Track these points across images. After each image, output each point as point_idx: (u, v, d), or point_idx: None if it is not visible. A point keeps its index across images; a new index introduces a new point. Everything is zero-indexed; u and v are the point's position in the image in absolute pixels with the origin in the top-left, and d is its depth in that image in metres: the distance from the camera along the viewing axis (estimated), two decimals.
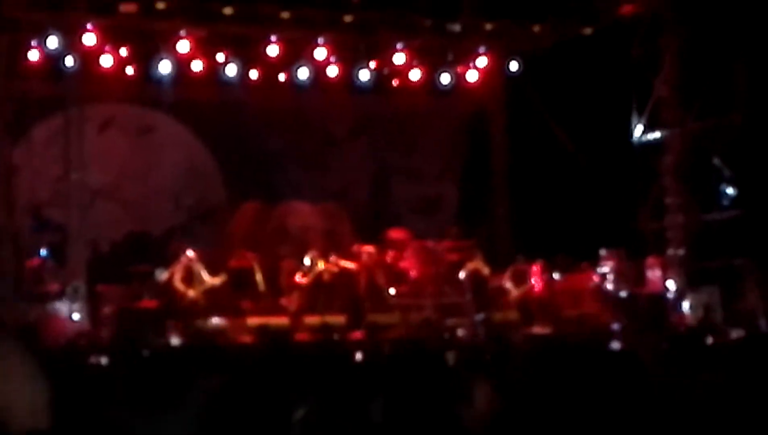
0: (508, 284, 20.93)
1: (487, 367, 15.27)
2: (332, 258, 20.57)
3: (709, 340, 17.74)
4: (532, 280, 20.96)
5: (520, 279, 20.91)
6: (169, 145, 23.66)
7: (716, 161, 21.15)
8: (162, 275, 19.69)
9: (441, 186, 25.72)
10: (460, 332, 19.58)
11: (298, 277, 20.29)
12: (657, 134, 22.30)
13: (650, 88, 22.43)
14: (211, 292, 19.54)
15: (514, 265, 21.17)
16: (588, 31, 22.74)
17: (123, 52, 21.41)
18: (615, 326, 19.05)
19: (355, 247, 21.27)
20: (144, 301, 19.44)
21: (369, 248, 20.98)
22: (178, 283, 19.33)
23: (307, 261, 20.35)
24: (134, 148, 23.45)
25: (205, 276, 19.48)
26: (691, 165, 21.78)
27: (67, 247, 19.96)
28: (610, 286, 20.89)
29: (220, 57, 21.89)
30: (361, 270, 20.67)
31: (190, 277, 19.42)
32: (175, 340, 18.42)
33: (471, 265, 20.96)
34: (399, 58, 22.78)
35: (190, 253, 19.60)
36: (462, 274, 20.97)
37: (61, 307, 19.25)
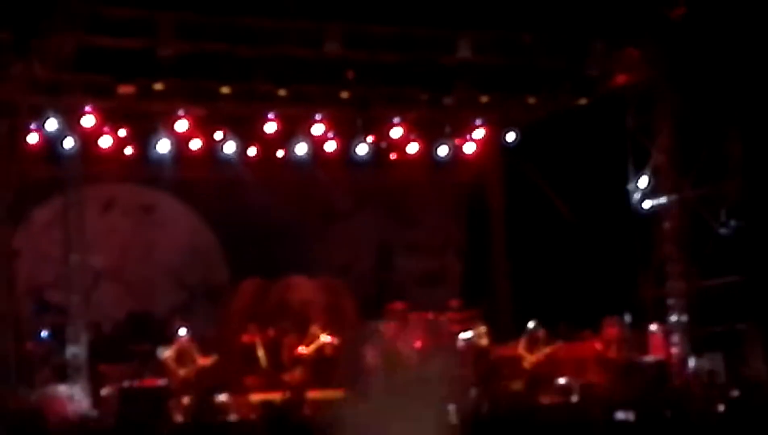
0: (523, 351, 20.84)
1: None
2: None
3: (717, 406, 17.81)
4: (549, 349, 20.86)
5: (535, 346, 20.82)
6: (171, 224, 23.80)
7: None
8: (163, 354, 19.72)
9: (443, 259, 25.79)
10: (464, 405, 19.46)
11: (301, 350, 20.28)
12: (655, 202, 22.38)
13: (647, 157, 22.56)
14: (207, 370, 19.56)
15: (529, 331, 21.07)
16: (583, 101, 22.92)
17: (122, 132, 21.63)
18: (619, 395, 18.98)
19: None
20: (146, 380, 19.41)
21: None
22: (170, 362, 19.41)
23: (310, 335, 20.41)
24: (136, 228, 23.61)
25: (196, 355, 19.55)
26: (691, 231, 21.83)
27: (68, 328, 19.94)
28: (612, 354, 20.82)
29: (219, 135, 22.11)
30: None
31: (181, 357, 19.51)
32: (179, 418, 18.44)
33: (471, 335, 20.93)
34: (396, 132, 23.00)
35: (182, 332, 19.71)
36: (463, 346, 20.94)
37: (64, 389, 19.22)
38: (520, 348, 20.89)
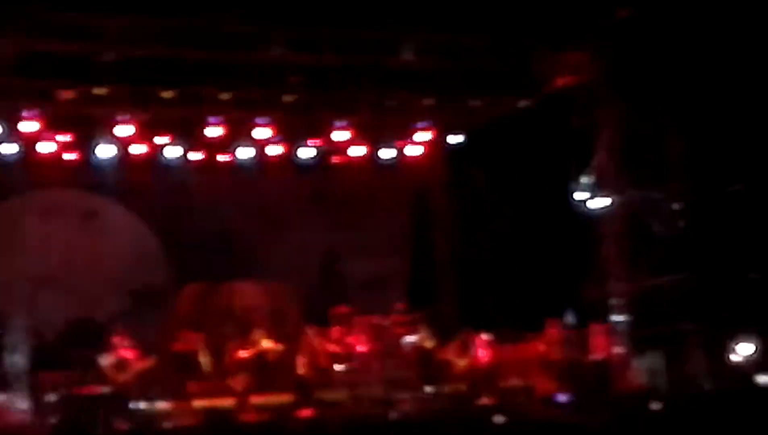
0: (452, 356, 20.92)
1: None
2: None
3: (655, 405, 17.96)
4: (478, 352, 20.95)
5: (465, 350, 20.90)
6: (114, 230, 23.65)
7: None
8: (105, 361, 19.58)
9: (389, 262, 25.71)
10: (408, 406, 19.52)
11: (243, 357, 20.21)
12: (598, 202, 22.49)
13: (590, 157, 22.67)
14: (145, 375, 19.46)
15: (459, 336, 21.15)
16: (526, 103, 22.99)
17: (63, 138, 21.44)
18: (561, 396, 19.07)
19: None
20: (88, 387, 19.26)
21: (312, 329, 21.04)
22: (108, 369, 19.29)
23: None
24: (78, 234, 23.42)
25: (133, 361, 19.45)
26: (633, 232, 21.96)
27: (7, 336, 19.75)
28: (555, 355, 20.91)
29: (161, 140, 21.99)
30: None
31: (119, 363, 19.39)
32: (122, 425, 18.32)
33: (415, 338, 20.97)
34: (340, 135, 22.95)
35: (118, 338, 19.60)
36: (406, 348, 20.97)
37: (3, 397, 19.02)
38: (450, 353, 20.98)
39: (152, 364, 19.66)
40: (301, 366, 20.53)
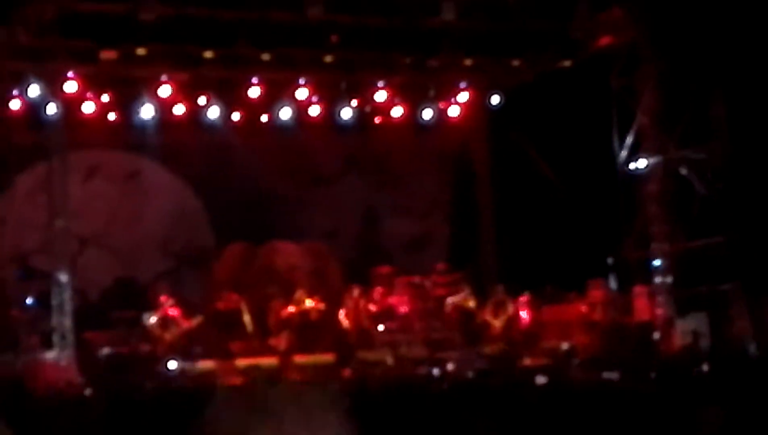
0: (489, 317, 20.91)
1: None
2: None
3: (702, 367, 17.89)
4: (513, 311, 20.90)
5: (500, 310, 20.87)
6: (155, 190, 23.69)
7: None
8: (149, 320, 19.73)
9: (430, 222, 25.76)
10: (451, 366, 19.55)
11: (286, 317, 20.30)
12: (640, 163, 22.38)
13: (632, 118, 22.55)
14: (191, 334, 19.59)
15: (494, 297, 21.14)
16: (567, 63, 22.88)
17: (105, 98, 21.55)
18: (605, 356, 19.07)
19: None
20: (132, 346, 19.41)
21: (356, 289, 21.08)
22: (154, 328, 19.43)
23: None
24: (120, 195, 23.51)
25: (180, 320, 19.57)
26: (675, 193, 21.86)
27: (54, 295, 19.90)
28: (598, 316, 20.89)
29: (202, 100, 22.02)
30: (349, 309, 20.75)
31: (164, 322, 19.52)
32: (165, 384, 18.43)
33: (457, 299, 20.99)
34: (380, 96, 22.94)
35: (164, 298, 19.70)
36: (448, 308, 21.01)
37: (50, 355, 19.20)
38: (486, 314, 20.96)
39: (198, 323, 19.78)
40: (344, 325, 20.58)
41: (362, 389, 18.32)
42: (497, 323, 20.91)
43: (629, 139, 22.51)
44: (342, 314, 20.82)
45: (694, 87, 21.38)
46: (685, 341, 20.40)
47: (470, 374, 18.82)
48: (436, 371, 18.86)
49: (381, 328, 21.02)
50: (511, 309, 21.08)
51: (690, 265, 21.27)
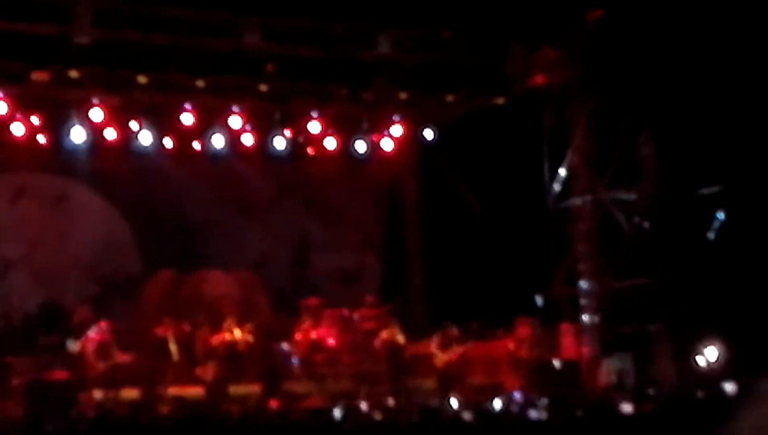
0: (435, 349, 20.81)
1: None
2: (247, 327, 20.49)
3: (625, 407, 18.02)
4: (462, 350, 20.87)
5: (447, 344, 20.81)
6: (84, 215, 23.40)
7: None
8: (73, 346, 19.41)
9: (361, 255, 25.73)
10: (377, 401, 19.49)
11: (213, 346, 20.11)
12: (570, 202, 22.58)
13: (563, 156, 22.76)
14: (124, 367, 19.33)
15: (442, 330, 21.07)
16: (500, 100, 23.05)
17: (35, 120, 21.25)
18: (524, 395, 19.11)
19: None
20: (54, 373, 19.09)
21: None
22: (89, 355, 19.12)
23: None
24: (48, 218, 23.18)
25: (115, 351, 19.29)
26: (604, 232, 22.06)
27: None
28: (525, 354, 20.94)
29: (134, 125, 21.82)
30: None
31: (102, 350, 19.22)
32: (89, 413, 18.15)
33: (386, 333, 20.95)
34: (314, 127, 22.91)
35: (102, 325, 19.40)
36: (377, 343, 20.96)
37: None
38: (433, 346, 20.92)
39: (132, 358, 19.51)
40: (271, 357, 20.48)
41: (288, 421, 18.25)
42: (443, 357, 20.75)
43: (560, 177, 22.71)
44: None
45: (624, 127, 21.62)
46: (610, 380, 20.54)
47: (396, 410, 18.80)
48: (361, 406, 18.76)
49: (295, 361, 20.92)
50: (460, 348, 20.92)
51: (616, 304, 21.46)
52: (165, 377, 19.85)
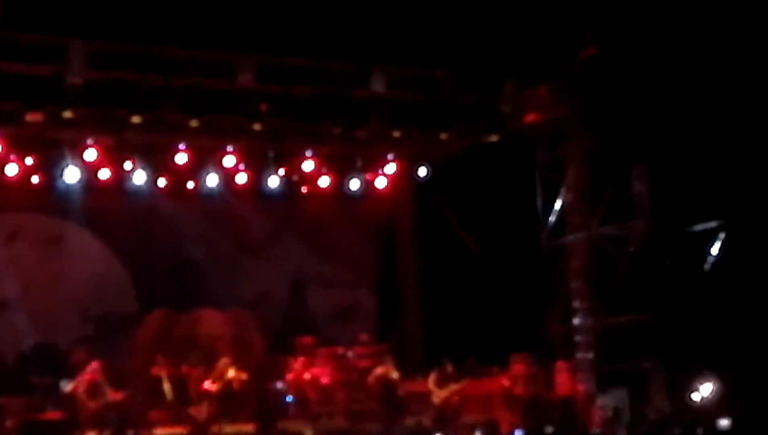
0: (432, 386, 20.72)
1: None
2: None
3: None
4: (458, 388, 20.79)
5: (445, 381, 20.72)
6: (79, 255, 23.40)
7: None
8: (66, 387, 19.35)
9: (357, 293, 25.72)
10: None
11: (207, 385, 20.05)
12: (564, 238, 22.59)
13: (556, 193, 22.79)
14: (116, 405, 19.26)
15: (440, 367, 20.99)
16: (494, 138, 23.09)
17: (29, 160, 21.30)
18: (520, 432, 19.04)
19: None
20: (47, 413, 19.04)
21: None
22: (81, 395, 19.07)
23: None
24: (42, 259, 23.18)
25: (107, 389, 19.23)
26: (598, 268, 22.05)
27: None
28: (519, 391, 20.87)
29: (128, 165, 21.87)
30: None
31: (93, 389, 19.16)
32: None
33: (380, 371, 20.89)
34: (308, 165, 22.96)
35: (94, 364, 19.36)
36: (371, 380, 20.90)
37: None
38: (430, 383, 20.85)
39: (125, 396, 19.45)
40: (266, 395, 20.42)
41: None
42: (441, 394, 20.67)
43: (554, 215, 22.74)
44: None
45: (617, 163, 21.67)
46: (605, 417, 20.46)
47: None
48: None
49: (289, 399, 20.88)
50: (457, 385, 20.83)
51: (611, 340, 21.42)
52: (158, 417, 19.77)
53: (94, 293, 23.33)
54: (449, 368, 20.87)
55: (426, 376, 21.11)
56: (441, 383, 20.80)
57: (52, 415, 19.09)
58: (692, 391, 20.36)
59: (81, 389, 19.18)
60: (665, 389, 20.59)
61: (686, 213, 21.31)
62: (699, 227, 21.24)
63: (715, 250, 21.08)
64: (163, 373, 20.34)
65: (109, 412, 19.16)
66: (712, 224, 21.06)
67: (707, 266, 21.04)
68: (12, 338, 21.98)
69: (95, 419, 19.03)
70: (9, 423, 18.85)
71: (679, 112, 20.75)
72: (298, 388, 20.94)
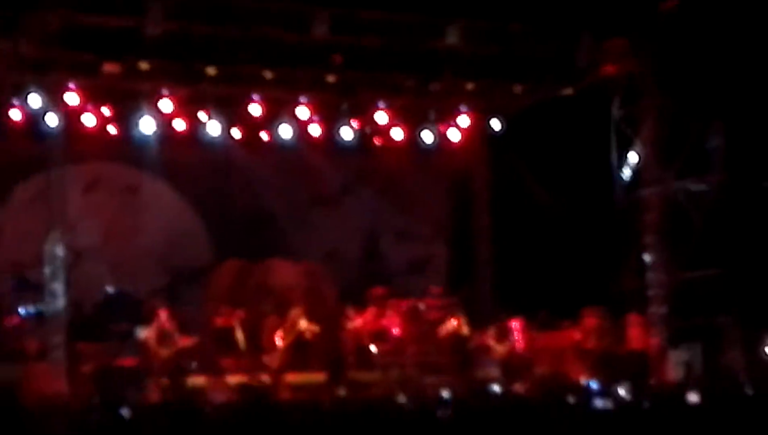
0: (491, 341, 20.84)
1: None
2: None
3: (692, 398, 17.85)
4: (515, 337, 20.87)
5: (503, 336, 20.82)
6: (154, 205, 23.66)
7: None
8: (142, 334, 19.70)
9: (429, 245, 25.74)
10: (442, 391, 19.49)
11: (280, 335, 20.26)
12: (639, 193, 22.41)
13: (631, 147, 22.58)
14: (186, 351, 19.55)
15: (497, 322, 21.08)
16: (569, 90, 22.89)
17: (105, 111, 21.53)
18: (593, 384, 18.97)
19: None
20: (123, 359, 19.41)
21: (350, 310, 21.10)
22: (151, 342, 19.39)
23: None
24: (120, 209, 23.48)
25: (177, 336, 19.53)
26: (672, 223, 21.87)
27: (48, 306, 19.87)
28: (591, 344, 20.83)
29: (203, 116, 22.02)
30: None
31: (162, 337, 19.47)
32: (154, 398, 18.42)
33: (450, 324, 20.95)
34: (381, 117, 22.94)
35: (163, 312, 19.66)
36: (442, 333, 20.98)
37: (42, 366, 19.18)
38: (489, 338, 20.91)
39: (195, 342, 19.74)
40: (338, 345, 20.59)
41: (353, 410, 18.33)
42: (500, 349, 20.80)
43: (629, 168, 22.54)
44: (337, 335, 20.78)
45: (693, 119, 21.43)
46: (677, 372, 20.35)
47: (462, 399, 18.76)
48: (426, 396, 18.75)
49: (374, 349, 20.97)
50: (513, 337, 20.95)
51: (685, 295, 21.26)
52: (230, 365, 20.05)
53: (169, 243, 23.59)
54: (508, 323, 20.91)
55: (486, 331, 21.14)
56: (500, 338, 20.85)
57: (127, 361, 19.43)
58: (766, 346, 20.19)
59: (151, 337, 19.52)
60: (740, 345, 20.40)
61: (763, 168, 21.04)
62: None
63: None
64: (236, 322, 20.58)
65: (180, 359, 19.47)
66: None
67: None
68: (90, 286, 22.27)
69: (167, 366, 19.34)
70: (86, 368, 19.25)
71: (755, 67, 20.46)
72: (357, 338, 21.06)
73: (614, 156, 22.67)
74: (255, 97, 21.95)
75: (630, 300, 21.86)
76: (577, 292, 21.52)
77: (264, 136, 22.96)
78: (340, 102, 22.62)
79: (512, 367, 20.51)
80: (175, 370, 19.28)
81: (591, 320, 21.02)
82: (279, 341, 20.26)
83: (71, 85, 20.58)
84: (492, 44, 21.76)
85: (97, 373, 18.78)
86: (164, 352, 19.50)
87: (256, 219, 24.07)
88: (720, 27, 20.59)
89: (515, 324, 21.13)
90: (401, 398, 17.57)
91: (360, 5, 20.74)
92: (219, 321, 20.81)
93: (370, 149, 23.96)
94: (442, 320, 21.36)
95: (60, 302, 19.75)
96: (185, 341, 19.73)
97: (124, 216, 23.41)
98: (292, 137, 22.70)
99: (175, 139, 22.12)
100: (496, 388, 18.61)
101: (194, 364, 19.85)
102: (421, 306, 21.99)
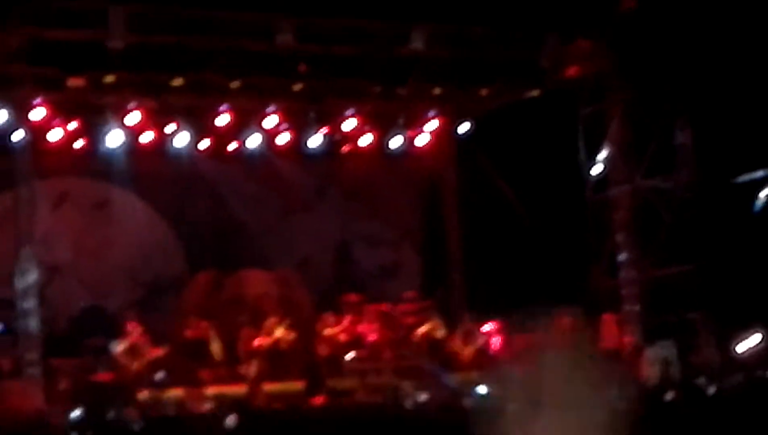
0: (457, 345, 20.89)
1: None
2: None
3: (670, 395, 17.95)
4: (483, 340, 20.87)
5: (469, 338, 20.86)
6: (125, 219, 23.49)
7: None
8: (116, 348, 19.60)
9: (401, 251, 25.76)
10: (422, 395, 19.48)
11: (256, 345, 20.22)
12: (608, 192, 22.53)
13: (599, 147, 22.70)
14: (158, 362, 19.47)
15: (462, 324, 21.12)
16: (535, 92, 23.01)
17: (72, 125, 21.42)
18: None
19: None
20: (98, 374, 19.29)
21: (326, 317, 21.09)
22: (121, 356, 19.30)
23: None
24: (90, 224, 23.32)
25: (147, 348, 19.45)
26: (643, 220, 22.00)
27: (20, 323, 19.71)
28: (566, 345, 20.83)
29: (170, 127, 21.95)
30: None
31: (133, 351, 19.39)
32: (132, 413, 18.29)
33: (426, 327, 20.97)
34: (349, 124, 22.96)
35: (132, 325, 19.59)
36: (417, 337, 21.00)
37: (17, 383, 19.03)
38: (456, 342, 20.97)
39: (165, 352, 19.67)
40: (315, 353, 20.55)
41: (332, 417, 18.32)
42: (466, 352, 20.86)
43: (597, 168, 22.66)
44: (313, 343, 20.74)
45: (660, 115, 21.56)
46: (653, 369, 20.45)
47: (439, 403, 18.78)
48: (404, 401, 18.76)
49: (350, 356, 20.95)
50: (480, 338, 21.01)
51: (658, 293, 21.38)
52: (207, 376, 19.97)
53: (142, 256, 23.46)
54: (468, 323, 20.96)
55: (453, 336, 21.16)
56: (466, 341, 20.90)
57: (103, 376, 19.31)
58: (738, 344, 20.29)
59: (121, 350, 19.45)
60: (713, 340, 20.53)
61: (731, 163, 21.19)
62: (744, 177, 21.10)
63: (761, 199, 20.95)
64: (211, 333, 20.52)
65: (153, 370, 19.39)
66: (758, 174, 20.92)
67: (755, 213, 20.92)
68: (64, 302, 22.17)
69: (139, 378, 19.25)
70: (63, 384, 19.11)
71: (721, 63, 20.60)
72: (334, 346, 21.03)
73: (582, 156, 22.77)
74: (222, 107, 21.91)
75: (603, 299, 21.97)
76: (550, 293, 21.56)
77: (232, 145, 22.91)
78: (308, 110, 22.63)
79: (485, 368, 20.50)
80: (152, 384, 19.18)
81: (565, 321, 21.03)
82: (255, 351, 20.22)
83: (37, 101, 20.46)
84: (457, 48, 21.81)
85: (74, 389, 18.64)
86: (135, 365, 19.42)
87: (228, 229, 24.01)
88: (682, 23, 20.73)
89: (490, 326, 21.17)
90: (380, 404, 17.58)
91: (324, 13, 20.75)
92: (192, 332, 20.71)
93: (339, 156, 23.98)
94: (417, 324, 21.38)
95: (33, 319, 19.60)
96: (156, 352, 19.66)
97: (94, 230, 23.25)
98: (261, 146, 22.69)
99: (144, 151, 22.03)
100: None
101: (162, 374, 19.66)
102: (396, 311, 22.00)
